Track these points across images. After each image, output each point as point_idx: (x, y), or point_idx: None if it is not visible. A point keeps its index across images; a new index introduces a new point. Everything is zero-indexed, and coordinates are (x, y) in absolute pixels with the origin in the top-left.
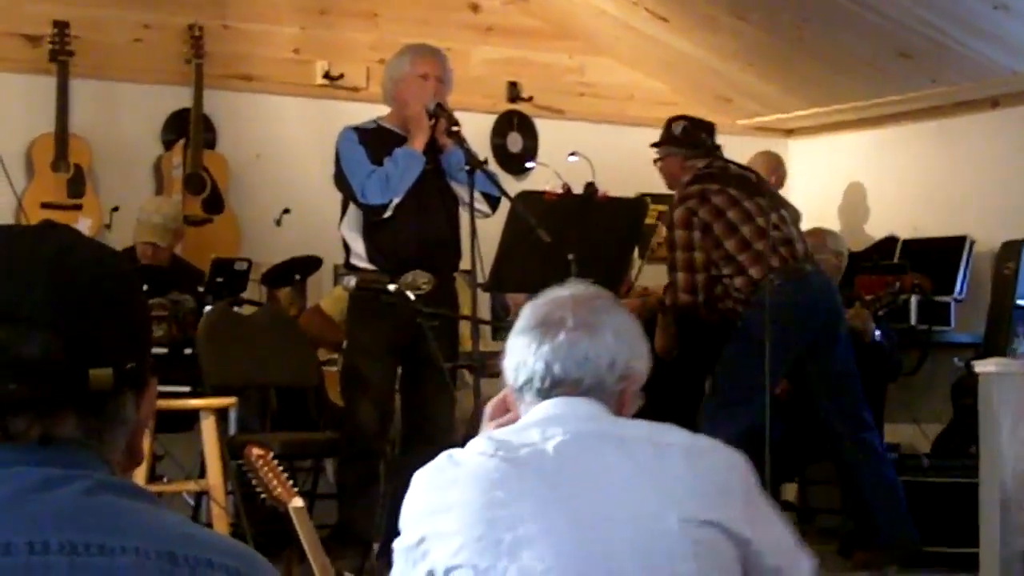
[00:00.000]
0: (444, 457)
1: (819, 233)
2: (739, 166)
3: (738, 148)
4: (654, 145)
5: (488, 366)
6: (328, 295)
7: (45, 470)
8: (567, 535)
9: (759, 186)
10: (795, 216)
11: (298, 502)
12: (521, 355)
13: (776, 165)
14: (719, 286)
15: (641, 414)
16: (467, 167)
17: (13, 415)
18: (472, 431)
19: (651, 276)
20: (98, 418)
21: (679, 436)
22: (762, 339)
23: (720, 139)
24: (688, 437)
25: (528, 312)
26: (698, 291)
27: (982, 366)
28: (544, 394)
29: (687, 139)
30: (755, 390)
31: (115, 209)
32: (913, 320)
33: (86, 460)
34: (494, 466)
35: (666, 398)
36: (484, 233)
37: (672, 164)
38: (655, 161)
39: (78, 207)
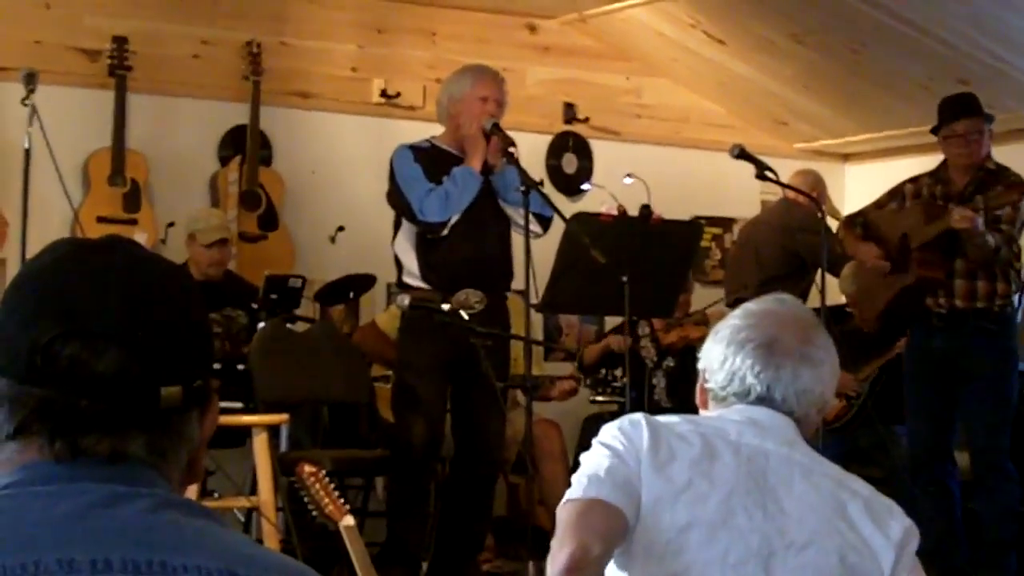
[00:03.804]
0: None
1: None
2: None
3: (792, 171)
4: (986, 117)
5: (541, 388)
6: (385, 311)
7: (112, 487)
8: (744, 533)
9: None
10: None
11: (349, 520)
12: (738, 368)
13: (816, 183)
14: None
15: None
16: (522, 188)
17: (83, 431)
18: (524, 451)
19: (705, 298)
20: (165, 436)
21: (864, 486)
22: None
23: (777, 162)
24: (871, 490)
25: (747, 323)
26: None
27: None
28: (749, 403)
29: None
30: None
31: (171, 224)
32: None
33: (150, 477)
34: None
35: None
36: (537, 254)
37: (988, 140)
38: (976, 132)
39: (133, 222)
